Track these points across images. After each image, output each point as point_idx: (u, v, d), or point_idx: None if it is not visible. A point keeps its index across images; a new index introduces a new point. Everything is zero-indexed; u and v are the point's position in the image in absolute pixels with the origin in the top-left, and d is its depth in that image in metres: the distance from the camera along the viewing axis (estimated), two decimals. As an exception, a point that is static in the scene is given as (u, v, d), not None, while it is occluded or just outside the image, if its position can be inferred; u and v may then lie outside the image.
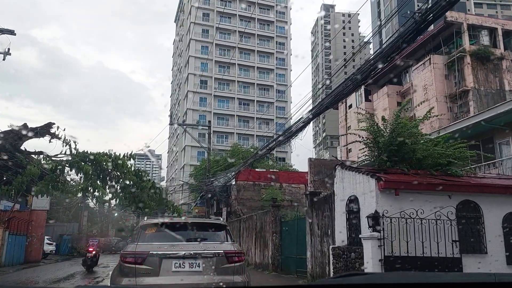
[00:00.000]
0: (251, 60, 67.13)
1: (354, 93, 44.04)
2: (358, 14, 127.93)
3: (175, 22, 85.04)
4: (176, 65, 79.13)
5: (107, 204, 49.84)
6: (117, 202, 15.55)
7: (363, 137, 9.46)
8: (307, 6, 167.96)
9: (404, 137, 8.87)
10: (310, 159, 28.32)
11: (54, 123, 14.61)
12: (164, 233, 5.69)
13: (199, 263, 5.33)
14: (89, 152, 14.09)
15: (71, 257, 28.65)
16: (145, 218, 6.44)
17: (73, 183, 13.68)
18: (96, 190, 13.26)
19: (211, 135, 28.10)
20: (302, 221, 11.55)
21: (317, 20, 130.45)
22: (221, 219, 7.05)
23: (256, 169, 28.03)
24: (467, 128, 16.19)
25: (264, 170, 28.67)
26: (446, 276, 1.97)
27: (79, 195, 15.59)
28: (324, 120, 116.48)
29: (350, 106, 48.09)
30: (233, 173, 25.05)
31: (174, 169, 70.38)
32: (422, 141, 9.41)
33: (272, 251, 13.49)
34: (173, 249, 5.35)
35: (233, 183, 26.37)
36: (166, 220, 6.12)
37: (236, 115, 64.04)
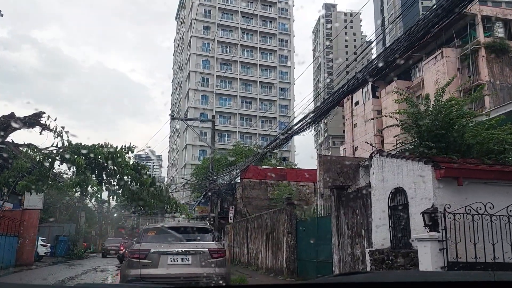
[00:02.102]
0: (254, 57, 65.71)
1: (361, 89, 42.71)
2: (360, 13, 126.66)
3: (175, 19, 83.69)
4: (177, 63, 77.77)
5: (105, 204, 48.49)
6: (114, 199, 14.09)
7: (400, 121, 8.03)
8: (308, 6, 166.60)
9: (452, 118, 7.46)
10: (319, 156, 26.87)
11: (44, 112, 13.10)
12: (162, 235, 7.10)
13: (188, 258, 6.72)
14: (83, 144, 12.63)
15: (68, 259, 27.23)
16: (147, 223, 8.45)
17: (66, 178, 12.14)
18: (90, 186, 11.78)
19: (214, 130, 26.69)
20: (324, 220, 10.13)
21: (318, 19, 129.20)
22: (208, 224, 9.08)
23: (263, 167, 26.61)
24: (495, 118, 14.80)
25: (271, 167, 27.25)
26: (446, 275, 2.21)
27: (75, 193, 14.20)
28: (326, 120, 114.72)
29: (357, 103, 46.69)
30: (238, 170, 23.63)
31: (175, 168, 68.98)
32: (470, 124, 8.00)
33: (287, 254, 12.04)
34: (168, 247, 6.75)
35: (238, 181, 24.95)
36: (164, 225, 8.01)
37: (239, 113, 62.65)
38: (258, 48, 65.83)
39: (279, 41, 67.72)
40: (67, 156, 11.70)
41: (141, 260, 6.63)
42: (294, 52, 69.53)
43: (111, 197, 13.95)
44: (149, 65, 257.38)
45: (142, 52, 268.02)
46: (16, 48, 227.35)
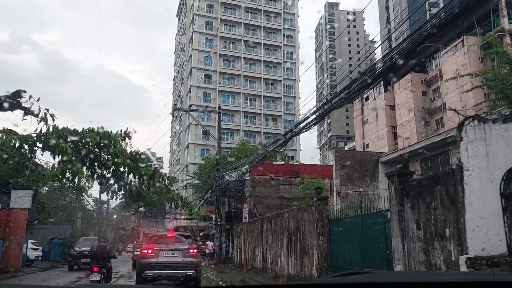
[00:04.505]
0: (258, 53, 63.62)
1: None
2: (363, 12, 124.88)
3: (177, 16, 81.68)
4: (179, 60, 75.69)
5: (104, 205, 46.40)
6: (110, 196, 11.91)
7: (485, 79, 5.87)
8: (311, 5, 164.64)
9: None
10: (336, 150, 24.73)
11: (25, 91, 10.91)
12: (161, 239, 12.21)
13: (176, 252, 11.13)
14: (70, 128, 10.48)
15: (62, 264, 25.04)
16: (151, 232, 16.64)
17: (47, 167, 9.95)
18: (78, 177, 9.63)
19: (220, 123, 24.55)
20: (372, 217, 7.99)
21: (320, 18, 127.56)
22: (189, 233, 16.27)
23: (273, 162, 24.47)
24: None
25: (283, 162, 25.11)
26: (446, 275, 2.16)
27: (58, 184, 12.04)
28: (329, 120, 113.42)
29: (367, 98, 44.52)
30: (247, 165, 21.45)
31: (176, 168, 66.83)
32: None
33: (318, 260, 9.85)
34: (165, 246, 11.30)
35: (247, 177, 22.81)
36: (162, 233, 15.01)
37: (242, 111, 60.48)
38: (262, 44, 63.74)
39: (284, 36, 65.63)
40: (50, 140, 9.57)
41: (149, 254, 10.94)
42: (299, 48, 67.42)
43: (106, 193, 11.74)
44: (150, 67, 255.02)
45: (142, 54, 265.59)
46: (16, 51, 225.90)
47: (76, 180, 9.81)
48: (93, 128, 10.90)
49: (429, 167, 21.49)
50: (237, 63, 62.18)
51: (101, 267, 9.83)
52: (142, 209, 44.06)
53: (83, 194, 32.64)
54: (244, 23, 62.69)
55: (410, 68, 36.35)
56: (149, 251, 11.02)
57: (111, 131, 11.05)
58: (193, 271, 10.67)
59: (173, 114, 73.16)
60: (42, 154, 10.71)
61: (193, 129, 58.13)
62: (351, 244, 8.81)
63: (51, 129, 10.53)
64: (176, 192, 11.96)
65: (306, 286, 2.22)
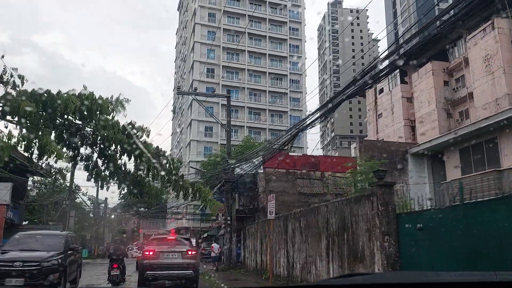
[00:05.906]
0: (262, 46, 60.94)
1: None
2: (367, 9, 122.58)
3: (178, 10, 79.11)
4: (180, 54, 73.04)
5: (102, 204, 43.66)
6: (99, 184, 9.19)
7: None
8: (312, 6, 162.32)
9: None
10: (361, 141, 22.01)
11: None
12: (161, 241, 12.77)
13: (175, 254, 11.85)
14: (45, 90, 7.76)
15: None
16: (153, 235, 17.25)
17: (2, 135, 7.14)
18: (49, 152, 6.89)
19: (230, 108, 21.82)
20: (485, 206, 5.26)
21: (324, 16, 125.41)
22: (188, 236, 21.20)
23: (290, 153, 21.74)
24: None
25: (301, 154, 22.34)
26: (447, 275, 2.05)
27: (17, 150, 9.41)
28: (332, 120, 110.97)
29: (381, 91, 41.79)
30: (260, 157, 18.73)
31: (177, 167, 64.05)
32: None
33: (384, 268, 7.10)
34: (165, 248, 12.00)
35: (261, 171, 20.08)
36: (163, 236, 15.25)
37: (247, 107, 57.81)
38: (267, 37, 61.10)
39: (290, 29, 62.97)
40: (13, 102, 6.86)
41: (150, 255, 11.83)
42: (305, 41, 64.74)
43: (95, 180, 8.89)
44: (150, 69, 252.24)
45: (142, 56, 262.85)
46: (17, 52, 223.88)
47: (46, 157, 7.06)
48: (73, 90, 8.19)
49: (471, 157, 18.80)
50: (241, 56, 59.58)
51: (119, 264, 12.28)
52: (142, 209, 41.28)
53: (76, 190, 29.98)
54: (248, 15, 60.10)
55: (430, 56, 33.64)
56: (151, 253, 11.78)
57: (100, 96, 8.30)
58: (191, 271, 11.54)
59: (174, 111, 70.59)
60: (6, 127, 8.02)
61: (195, 125, 55.60)
62: (439, 247, 6.08)
63: (20, 95, 7.82)
64: (185, 180, 9.28)
65: (306, 287, 2.42)
